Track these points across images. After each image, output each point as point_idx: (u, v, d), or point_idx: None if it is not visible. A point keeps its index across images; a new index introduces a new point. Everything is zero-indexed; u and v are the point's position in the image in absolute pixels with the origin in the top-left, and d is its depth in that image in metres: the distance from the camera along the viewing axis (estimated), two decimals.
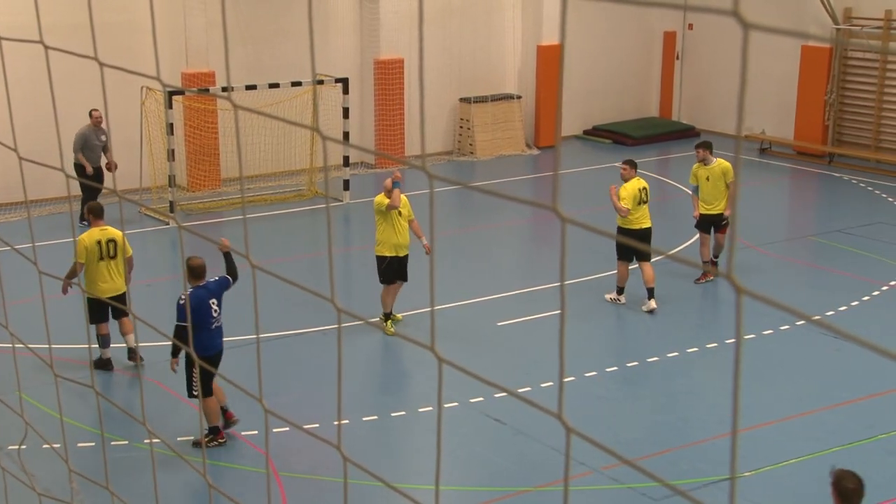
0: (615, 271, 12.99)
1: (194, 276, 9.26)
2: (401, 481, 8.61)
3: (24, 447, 8.74)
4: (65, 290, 10.73)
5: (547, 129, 22.20)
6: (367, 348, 11.66)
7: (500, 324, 12.40)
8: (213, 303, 9.24)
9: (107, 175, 15.95)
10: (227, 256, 9.69)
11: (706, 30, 23.18)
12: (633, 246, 12.74)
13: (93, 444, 9.25)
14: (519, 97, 21.88)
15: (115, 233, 10.81)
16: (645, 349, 11.58)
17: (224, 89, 16.60)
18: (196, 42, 18.13)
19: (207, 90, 17.12)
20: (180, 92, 16.99)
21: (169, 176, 16.52)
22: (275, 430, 9.65)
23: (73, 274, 10.64)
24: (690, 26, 23.64)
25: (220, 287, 9.42)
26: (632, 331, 12.24)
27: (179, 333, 8.96)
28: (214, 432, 9.36)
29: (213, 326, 9.22)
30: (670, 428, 9.83)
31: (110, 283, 10.72)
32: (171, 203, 16.53)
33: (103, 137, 15.68)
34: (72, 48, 2.58)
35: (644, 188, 12.67)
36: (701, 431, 9.69)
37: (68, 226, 15.08)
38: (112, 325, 10.88)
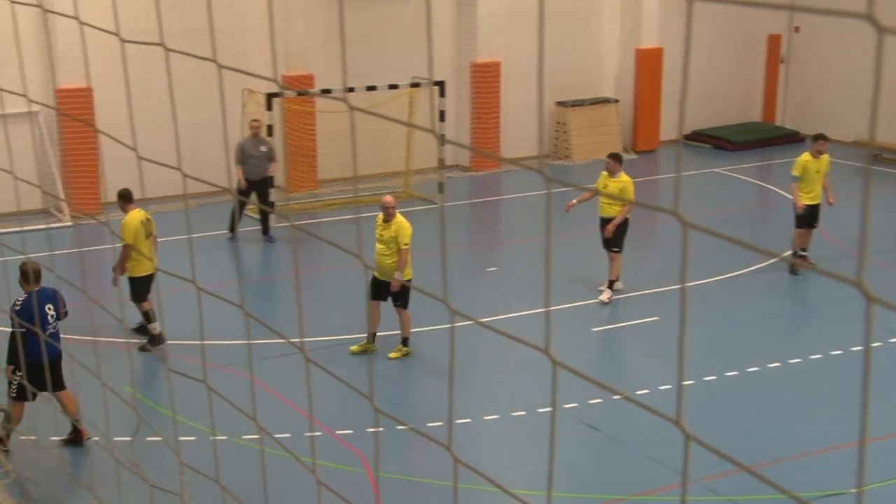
0: (714, 278, 12.75)
1: (27, 281, 9.05)
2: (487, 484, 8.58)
3: (130, 439, 9.00)
4: (115, 282, 11.10)
5: (645, 133, 21.93)
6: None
7: (594, 329, 12.30)
8: (49, 308, 9.04)
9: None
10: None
11: (813, 33, 22.59)
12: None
13: (194, 437, 9.47)
14: (616, 101, 21.67)
15: (146, 213, 11.54)
16: (746, 358, 11.33)
17: (326, 91, 16.84)
18: (296, 45, 18.43)
19: (311, 91, 17.39)
20: (279, 94, 17.23)
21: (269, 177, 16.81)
22: (368, 429, 9.74)
23: (126, 258, 10.93)
24: (797, 29, 23.07)
25: (56, 293, 9.18)
26: (731, 339, 12.00)
27: (10, 339, 8.86)
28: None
29: (48, 332, 8.99)
30: (773, 440, 9.59)
31: (154, 259, 11.25)
32: (272, 203, 16.83)
33: (262, 148, 15.57)
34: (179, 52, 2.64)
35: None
36: (804, 444, 9.44)
37: (182, 224, 15.42)
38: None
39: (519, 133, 20.92)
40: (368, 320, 11.36)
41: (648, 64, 21.55)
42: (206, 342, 11.44)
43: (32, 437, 9.27)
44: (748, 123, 23.20)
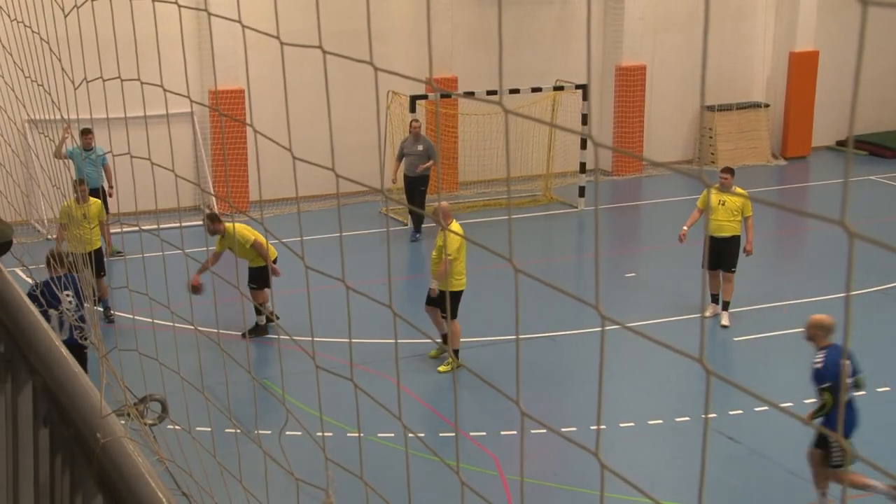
0: (862, 290, 12.22)
1: (50, 266, 9.27)
2: (623, 492, 8.46)
3: (268, 433, 9.27)
4: (277, 273, 11.62)
5: (796, 139, 21.21)
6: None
7: (736, 339, 11.97)
8: (68, 294, 9.07)
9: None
10: None
11: None
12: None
13: (330, 433, 9.66)
14: (766, 106, 21.03)
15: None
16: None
17: (469, 94, 16.93)
18: (440, 48, 18.58)
19: (456, 94, 17.50)
20: (424, 96, 17.40)
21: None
22: (502, 432, 9.74)
23: (264, 253, 11.42)
24: None
25: (77, 281, 9.20)
26: (885, 353, 11.47)
27: None
28: None
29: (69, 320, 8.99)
30: None
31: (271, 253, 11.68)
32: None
33: (419, 147, 15.95)
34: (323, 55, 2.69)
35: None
36: None
37: (321, 223, 15.80)
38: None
39: (662, 138, 20.56)
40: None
41: (803, 68, 20.82)
42: (346, 340, 11.67)
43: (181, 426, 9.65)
44: None
